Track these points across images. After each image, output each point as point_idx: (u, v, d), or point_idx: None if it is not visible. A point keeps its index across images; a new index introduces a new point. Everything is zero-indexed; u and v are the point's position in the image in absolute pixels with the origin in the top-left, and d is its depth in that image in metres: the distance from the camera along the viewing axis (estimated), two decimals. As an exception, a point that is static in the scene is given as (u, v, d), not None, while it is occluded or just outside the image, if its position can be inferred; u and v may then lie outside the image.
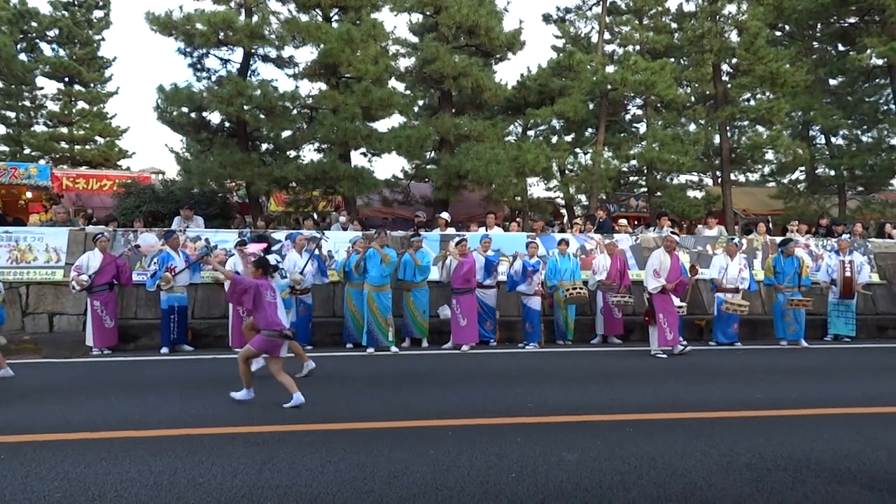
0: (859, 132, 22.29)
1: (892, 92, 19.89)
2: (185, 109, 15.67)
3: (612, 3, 21.51)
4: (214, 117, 16.27)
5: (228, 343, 10.35)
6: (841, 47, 21.63)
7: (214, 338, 10.73)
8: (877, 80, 21.62)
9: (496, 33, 17.93)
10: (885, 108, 21.73)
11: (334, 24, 16.37)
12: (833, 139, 22.84)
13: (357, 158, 17.65)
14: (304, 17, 16.18)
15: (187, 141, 17.93)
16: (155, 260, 10.48)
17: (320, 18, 16.44)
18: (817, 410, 6.33)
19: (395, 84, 18.66)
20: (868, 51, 18.21)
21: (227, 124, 16.46)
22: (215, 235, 11.73)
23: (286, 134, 17.00)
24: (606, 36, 21.24)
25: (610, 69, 19.14)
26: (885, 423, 5.95)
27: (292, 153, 17.50)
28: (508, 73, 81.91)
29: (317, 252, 10.84)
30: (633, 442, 5.22)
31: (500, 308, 11.40)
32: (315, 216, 17.79)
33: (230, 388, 6.88)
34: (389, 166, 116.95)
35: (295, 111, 16.33)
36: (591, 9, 21.61)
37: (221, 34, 15.05)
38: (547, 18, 22.72)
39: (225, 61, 16.49)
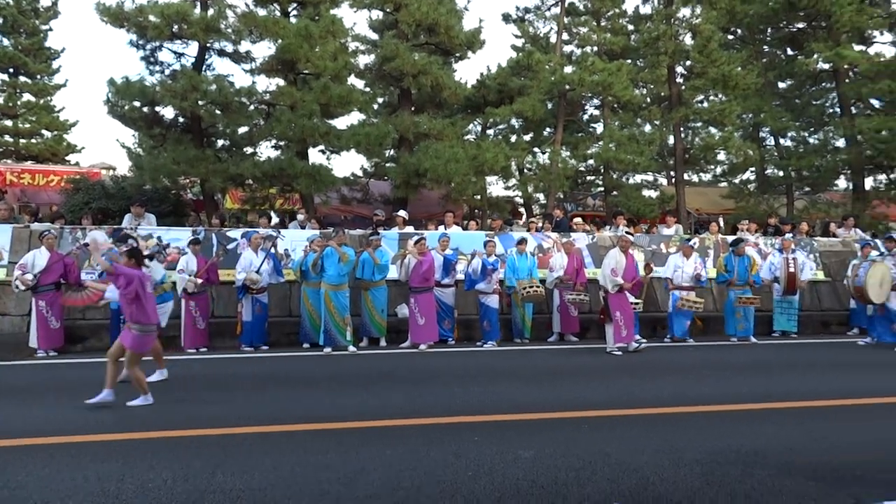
0: (806, 134, 22.97)
1: (837, 96, 20.58)
2: (136, 104, 15.30)
3: (571, 4, 21.76)
4: (168, 112, 15.94)
5: (181, 344, 10.14)
6: (790, 51, 22.26)
7: (167, 338, 10.45)
8: (823, 84, 22.31)
9: (456, 32, 17.97)
10: (831, 111, 22.45)
11: (293, 20, 16.18)
12: (782, 141, 23.52)
13: (315, 156, 17.55)
14: (261, 12, 15.94)
15: (139, 136, 17.49)
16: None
17: (278, 13, 16.24)
18: (765, 405, 6.51)
19: (355, 81, 18.55)
20: (815, 55, 18.79)
21: (181, 119, 16.12)
22: (168, 233, 11.47)
23: (242, 130, 16.72)
24: (565, 36, 21.50)
25: (568, 69, 19.37)
26: (828, 416, 6.16)
27: (249, 150, 17.22)
28: (468, 71, 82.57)
29: (272, 251, 10.69)
30: (589, 438, 5.29)
31: (458, 307, 11.42)
32: (273, 214, 17.55)
33: (183, 389, 6.75)
34: (348, 164, 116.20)
35: (252, 107, 16.09)
36: (549, 9, 21.84)
37: (175, 27, 14.73)
38: (506, 18, 22.86)
39: (179, 55, 16.17)
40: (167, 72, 16.07)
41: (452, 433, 5.42)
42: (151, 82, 15.11)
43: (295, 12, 16.74)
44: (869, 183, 20.69)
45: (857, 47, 19.41)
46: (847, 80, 19.81)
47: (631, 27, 22.23)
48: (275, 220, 15.18)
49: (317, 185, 15.33)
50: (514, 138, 21.85)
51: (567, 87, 19.13)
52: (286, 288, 11.50)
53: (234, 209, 20.21)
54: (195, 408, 6.33)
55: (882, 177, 20.86)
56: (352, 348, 10.07)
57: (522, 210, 23.97)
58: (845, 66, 19.13)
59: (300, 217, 14.00)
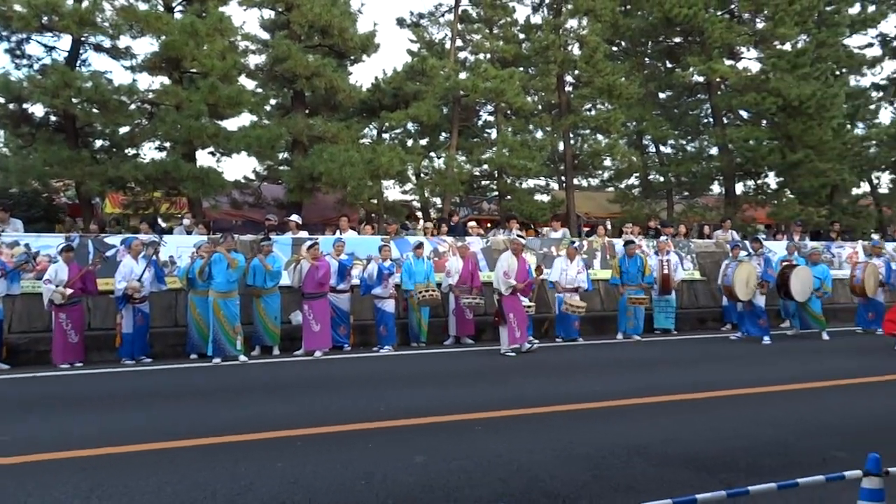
0: (684, 142, 24.49)
1: (711, 107, 22.04)
2: (0, 100, 14.14)
3: (464, 11, 22.09)
4: (37, 110, 14.86)
5: (51, 359, 9.42)
6: (668, 64, 23.62)
7: (37, 353, 9.72)
8: (698, 95, 23.85)
9: (350, 34, 17.83)
10: (706, 121, 24.03)
11: (178, 16, 15.49)
12: (662, 148, 24.93)
13: (204, 158, 16.86)
14: (142, 6, 15.17)
15: (5, 135, 16.22)
16: (-40, 269, 9.31)
17: (161, 8, 15.48)
18: (647, 399, 6.84)
19: (245, 81, 18.01)
20: (690, 68, 20.04)
21: (52, 118, 15.05)
22: (37, 240, 10.64)
23: (123, 130, 15.83)
24: (459, 43, 21.81)
25: (462, 75, 19.64)
26: (703, 407, 6.56)
27: (130, 151, 16.31)
28: (364, 75, 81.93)
29: (154, 258, 10.15)
30: (482, 440, 5.35)
31: (353, 312, 11.30)
32: (157, 219, 16.68)
33: (55, 407, 6.24)
34: (240, 167, 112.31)
35: (133, 106, 15.25)
36: (443, 15, 22.06)
37: (45, 18, 13.74)
38: (401, 23, 22.90)
39: (50, 48, 15.12)
40: (36, 66, 14.99)
41: (346, 441, 5.33)
42: (18, 77, 14.03)
43: (180, 8, 16.04)
44: (739, 188, 22.29)
45: (728, 62, 20.85)
46: (719, 92, 21.26)
47: (522, 36, 22.82)
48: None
49: (205, 188, 14.75)
50: (410, 142, 21.91)
51: (461, 92, 19.39)
52: (171, 297, 10.96)
53: (114, 214, 19.07)
54: (68, 427, 5.88)
55: (750, 182, 22.54)
56: (242, 358, 9.72)
57: (419, 214, 24.08)
58: (717, 79, 20.51)
59: (186, 222, 13.40)
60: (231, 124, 18.42)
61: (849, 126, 21.70)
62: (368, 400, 6.94)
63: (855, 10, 22.86)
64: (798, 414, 6.25)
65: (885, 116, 25.73)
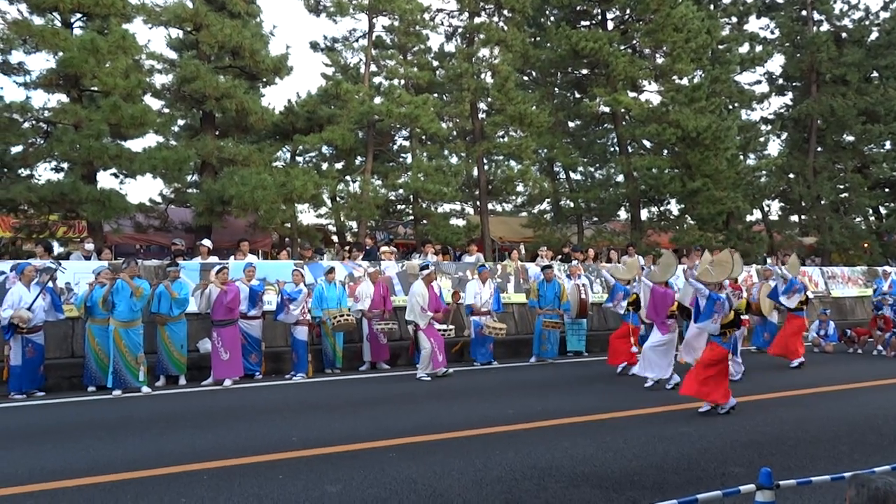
0: (592, 170, 25.41)
1: (616, 136, 23.03)
2: None
3: (378, 37, 22.20)
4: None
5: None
6: (577, 94, 24.55)
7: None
8: (604, 125, 24.86)
9: (262, 56, 17.56)
10: (612, 149, 25.07)
11: (77, 32, 14.80)
12: (572, 175, 25.76)
13: (106, 180, 16.07)
14: (38, 20, 14.39)
15: None
16: None
17: (58, 23, 14.75)
18: (558, 421, 6.98)
19: (151, 101, 17.33)
20: (597, 99, 20.90)
21: (-66, 135, 13.97)
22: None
23: (16, 150, 14.86)
24: (373, 68, 21.84)
25: (377, 100, 19.66)
26: (612, 427, 6.75)
27: (24, 172, 15.33)
28: (277, 97, 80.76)
29: (50, 285, 9.54)
30: (396, 467, 5.30)
31: (266, 339, 11.00)
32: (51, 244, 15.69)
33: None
34: (146, 189, 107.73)
35: (26, 124, 14.39)
36: (357, 41, 22.11)
37: (-72, 30, 12.82)
38: (314, 46, 22.76)
39: (-67, 62, 14.07)
40: (-82, 79, 13.92)
41: (255, 473, 5.16)
42: None
43: (80, 24, 15.33)
44: (644, 214, 23.27)
45: (631, 94, 21.86)
46: (623, 123, 22.24)
47: (436, 63, 23.17)
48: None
49: (106, 211, 14.02)
50: (324, 166, 21.69)
51: (376, 117, 19.42)
52: (68, 326, 10.32)
53: (5, 238, 17.83)
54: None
55: (654, 209, 23.61)
56: (146, 389, 9.24)
57: (335, 238, 23.79)
58: (622, 110, 21.47)
59: (89, 246, 12.70)
60: (136, 145, 17.78)
61: (741, 157, 23.16)
62: (279, 429, 6.75)
63: (744, 49, 24.59)
64: (700, 431, 6.54)
65: (773, 148, 27.78)
